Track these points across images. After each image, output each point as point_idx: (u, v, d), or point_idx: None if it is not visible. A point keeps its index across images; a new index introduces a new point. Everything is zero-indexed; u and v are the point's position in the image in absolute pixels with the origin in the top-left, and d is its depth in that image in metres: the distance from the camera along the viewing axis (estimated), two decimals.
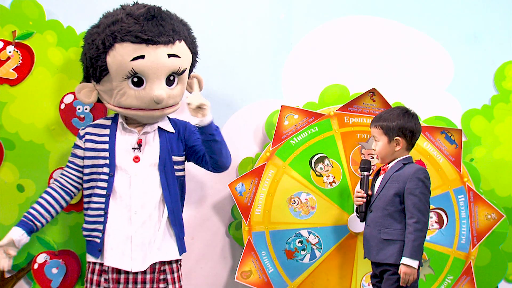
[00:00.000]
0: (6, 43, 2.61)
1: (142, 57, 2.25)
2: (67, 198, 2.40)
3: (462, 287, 2.71)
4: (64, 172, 2.41)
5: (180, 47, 2.33)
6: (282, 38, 2.86)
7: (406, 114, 2.40)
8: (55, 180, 2.42)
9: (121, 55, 2.25)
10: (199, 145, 2.42)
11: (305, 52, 2.86)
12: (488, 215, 2.73)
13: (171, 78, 2.34)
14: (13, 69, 2.61)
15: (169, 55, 2.29)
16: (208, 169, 2.45)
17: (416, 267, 2.26)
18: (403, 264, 2.26)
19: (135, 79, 2.29)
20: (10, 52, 2.61)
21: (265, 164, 2.68)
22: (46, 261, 2.65)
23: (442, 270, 2.71)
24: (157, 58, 2.26)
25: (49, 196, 2.37)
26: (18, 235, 2.28)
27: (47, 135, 2.65)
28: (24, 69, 2.62)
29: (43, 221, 2.34)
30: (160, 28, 2.26)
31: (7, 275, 2.66)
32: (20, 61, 2.61)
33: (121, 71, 2.27)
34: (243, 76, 2.84)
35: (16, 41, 2.61)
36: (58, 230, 2.66)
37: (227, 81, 2.82)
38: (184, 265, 2.77)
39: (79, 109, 2.65)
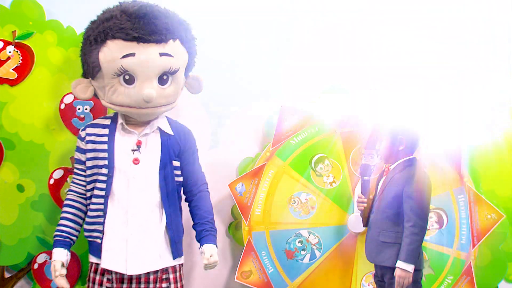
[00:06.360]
0: (6, 43, 2.61)
1: (133, 54, 2.22)
2: (87, 203, 2.39)
3: (462, 287, 2.71)
4: (75, 180, 2.39)
5: (174, 46, 2.29)
6: (282, 38, 2.86)
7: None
8: (69, 190, 2.39)
9: (112, 52, 2.23)
10: (184, 169, 2.41)
11: (305, 52, 2.87)
12: (488, 215, 2.73)
13: (164, 77, 2.31)
14: (13, 69, 2.61)
15: (161, 54, 2.25)
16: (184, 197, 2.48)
17: (411, 271, 2.25)
18: (398, 267, 2.26)
19: (127, 77, 2.26)
20: (10, 52, 2.61)
21: (265, 164, 2.68)
22: (46, 261, 2.64)
23: (442, 270, 2.71)
24: (147, 56, 2.23)
25: (72, 208, 2.36)
26: (64, 255, 2.30)
27: (47, 135, 2.64)
28: (24, 69, 2.61)
29: (77, 233, 2.36)
30: (153, 26, 2.22)
31: (7, 275, 2.66)
32: (20, 61, 2.61)
33: (112, 68, 2.25)
34: (243, 76, 2.84)
35: (16, 41, 2.61)
36: None
37: (227, 81, 2.82)
38: (184, 265, 2.77)
39: (79, 109, 2.65)
